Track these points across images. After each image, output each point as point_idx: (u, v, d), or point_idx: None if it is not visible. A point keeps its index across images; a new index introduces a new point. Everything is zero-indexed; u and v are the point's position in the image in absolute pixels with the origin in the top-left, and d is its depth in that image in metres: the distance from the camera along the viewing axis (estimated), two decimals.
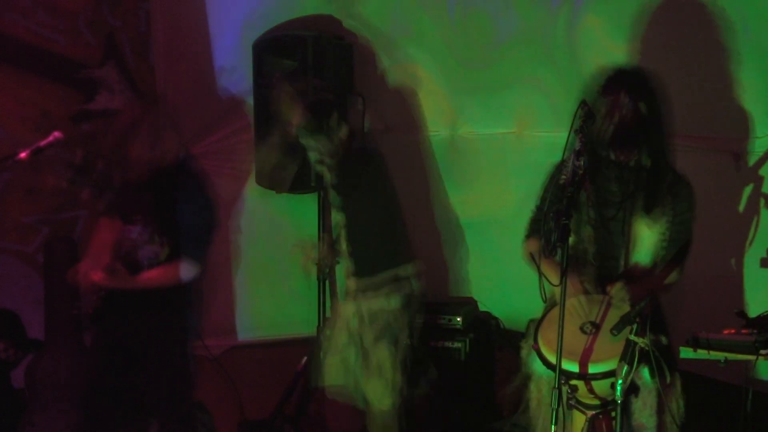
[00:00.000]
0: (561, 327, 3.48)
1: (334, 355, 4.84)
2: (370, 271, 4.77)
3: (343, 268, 4.98)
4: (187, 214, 4.40)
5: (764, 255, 4.51)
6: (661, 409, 3.81)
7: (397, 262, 4.79)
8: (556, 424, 3.48)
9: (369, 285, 4.76)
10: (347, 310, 4.82)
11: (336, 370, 4.83)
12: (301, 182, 5.39)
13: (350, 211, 4.81)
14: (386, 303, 4.73)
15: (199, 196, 4.47)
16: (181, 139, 4.55)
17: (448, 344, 5.34)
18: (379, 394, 4.72)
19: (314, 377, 4.98)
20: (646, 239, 3.94)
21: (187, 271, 4.40)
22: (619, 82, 3.91)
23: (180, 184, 4.43)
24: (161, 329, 4.44)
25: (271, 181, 5.48)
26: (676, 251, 3.87)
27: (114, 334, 4.47)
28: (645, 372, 3.71)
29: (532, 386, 4.03)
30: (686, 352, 3.72)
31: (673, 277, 3.88)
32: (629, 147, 3.91)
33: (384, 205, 4.82)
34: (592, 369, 3.62)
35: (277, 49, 5.47)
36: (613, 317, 3.68)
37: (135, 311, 4.37)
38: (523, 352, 4.05)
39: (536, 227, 4.10)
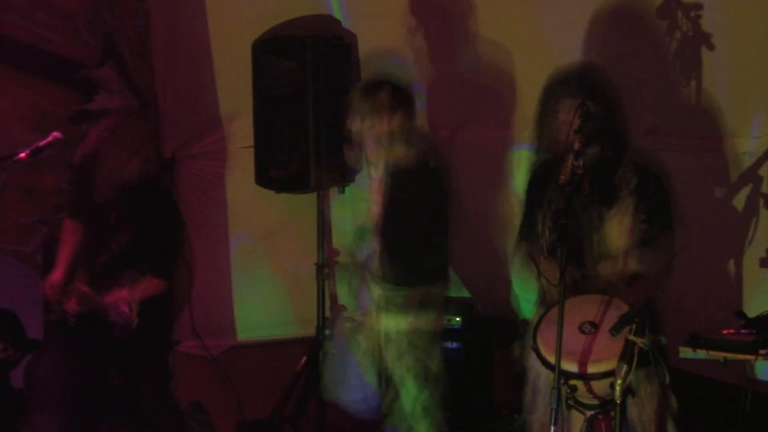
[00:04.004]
0: (560, 327, 3.49)
1: (350, 367, 4.71)
2: (403, 283, 4.44)
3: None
4: (155, 229, 4.45)
5: (763, 255, 4.51)
6: (660, 409, 3.81)
7: (432, 278, 4.48)
8: (555, 423, 3.48)
9: (397, 299, 4.45)
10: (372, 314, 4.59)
11: (354, 385, 4.70)
12: (300, 182, 5.39)
13: (396, 207, 4.41)
14: (416, 324, 4.47)
15: (166, 212, 4.52)
16: (149, 156, 4.58)
17: (447, 344, 5.33)
18: (407, 410, 4.50)
19: (327, 390, 4.84)
20: (616, 233, 3.94)
21: (155, 286, 4.44)
22: (565, 85, 3.95)
23: (148, 200, 4.47)
24: (145, 327, 4.46)
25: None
26: (658, 245, 3.88)
27: (95, 337, 4.50)
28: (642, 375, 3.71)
29: (527, 387, 4.03)
30: (685, 352, 3.73)
31: (660, 267, 3.89)
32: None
33: (436, 212, 4.44)
34: (591, 369, 3.62)
35: (276, 49, 5.47)
36: (611, 317, 3.68)
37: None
38: (515, 353, 4.06)
39: (526, 232, 4.13)
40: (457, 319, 5.36)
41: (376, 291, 4.51)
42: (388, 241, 4.43)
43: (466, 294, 5.76)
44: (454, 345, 5.34)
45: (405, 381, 4.50)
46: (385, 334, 4.52)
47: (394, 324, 4.48)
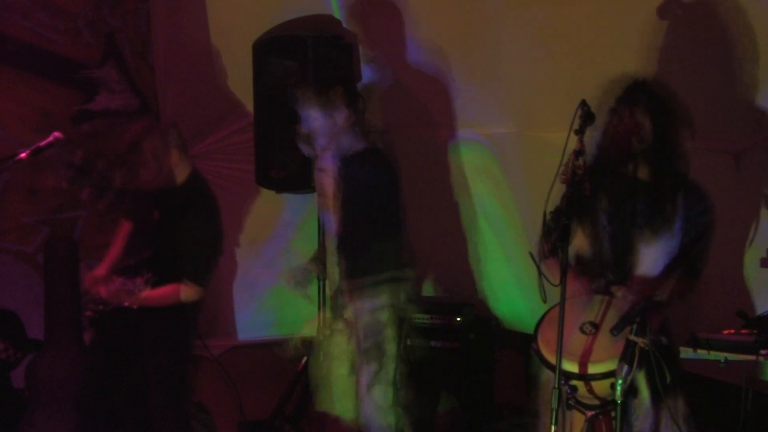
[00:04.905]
0: (561, 327, 3.48)
1: (334, 380, 4.68)
2: (360, 273, 4.55)
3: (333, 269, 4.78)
4: (192, 235, 4.43)
5: (764, 255, 4.51)
6: (659, 410, 3.80)
7: (390, 266, 4.57)
8: (556, 424, 3.48)
9: (357, 287, 4.56)
10: (339, 320, 4.68)
11: (335, 399, 4.68)
12: (301, 182, 5.39)
13: (345, 206, 4.56)
14: (374, 311, 4.53)
15: (206, 219, 4.49)
16: (187, 158, 4.57)
17: (448, 344, 5.34)
18: (377, 409, 4.52)
19: (319, 402, 4.78)
20: (651, 250, 3.94)
21: (188, 293, 4.43)
22: (636, 94, 3.91)
23: (187, 204, 4.46)
24: (161, 331, 4.45)
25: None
26: (678, 258, 3.88)
27: (113, 336, 4.49)
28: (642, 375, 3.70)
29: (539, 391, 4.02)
30: (686, 353, 3.72)
31: (681, 285, 3.88)
32: (630, 157, 3.91)
33: (383, 204, 4.59)
34: (592, 369, 3.62)
35: (277, 49, 5.47)
36: (612, 317, 3.68)
37: (134, 314, 4.38)
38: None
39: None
40: (458, 319, 5.36)
41: (334, 283, 4.65)
42: (342, 235, 4.55)
43: (466, 294, 5.77)
44: (455, 345, 5.35)
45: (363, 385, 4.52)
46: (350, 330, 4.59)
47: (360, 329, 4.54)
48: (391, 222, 4.61)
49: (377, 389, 4.51)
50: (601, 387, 3.63)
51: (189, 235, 4.45)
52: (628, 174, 3.93)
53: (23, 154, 4.17)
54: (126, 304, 4.30)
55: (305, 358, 5.43)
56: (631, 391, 3.69)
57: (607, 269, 3.93)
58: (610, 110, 3.90)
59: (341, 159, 4.58)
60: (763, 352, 3.59)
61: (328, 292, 4.85)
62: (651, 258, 3.91)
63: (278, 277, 5.77)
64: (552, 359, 3.58)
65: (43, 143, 4.24)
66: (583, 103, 3.73)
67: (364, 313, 4.56)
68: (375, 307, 4.54)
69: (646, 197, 3.92)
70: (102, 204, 4.70)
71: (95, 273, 4.55)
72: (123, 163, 4.57)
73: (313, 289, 5.50)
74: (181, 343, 4.56)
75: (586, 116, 3.71)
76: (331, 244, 4.70)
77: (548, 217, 3.63)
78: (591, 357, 3.64)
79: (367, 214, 4.55)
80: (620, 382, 3.47)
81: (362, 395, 4.54)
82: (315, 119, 4.56)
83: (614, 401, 3.50)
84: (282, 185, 5.57)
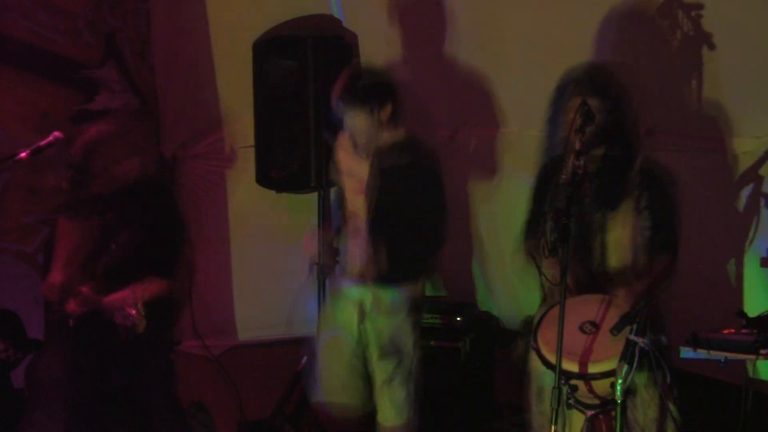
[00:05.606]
0: (561, 327, 3.49)
1: (333, 369, 4.62)
2: (390, 281, 4.44)
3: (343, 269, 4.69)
4: (156, 230, 4.46)
5: (764, 254, 4.51)
6: (660, 410, 3.81)
7: (419, 275, 4.52)
8: (555, 423, 3.49)
9: (384, 296, 4.45)
10: (353, 317, 4.56)
11: (336, 387, 4.61)
12: (301, 182, 5.40)
13: (381, 208, 4.42)
14: (398, 317, 4.46)
15: (167, 212, 4.52)
16: (150, 156, 4.59)
17: (448, 344, 5.34)
18: (391, 412, 4.46)
19: (314, 393, 4.71)
20: (619, 235, 3.95)
21: (158, 287, 4.44)
22: (574, 84, 3.96)
23: (148, 200, 4.48)
24: (157, 331, 4.47)
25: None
26: (663, 257, 3.89)
27: (97, 337, 4.50)
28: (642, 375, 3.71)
29: (532, 385, 4.03)
30: (686, 352, 3.72)
31: (662, 267, 3.91)
32: (591, 145, 3.91)
33: (419, 211, 4.43)
34: (592, 369, 3.62)
35: (277, 50, 5.48)
36: (612, 317, 3.69)
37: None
38: (515, 354, 4.06)
39: (530, 231, 4.12)
40: (458, 319, 5.36)
41: (358, 292, 4.50)
42: (379, 240, 4.42)
43: (466, 294, 5.77)
44: (455, 345, 5.35)
45: (380, 381, 4.48)
46: (370, 335, 4.50)
47: (379, 325, 4.47)
48: (426, 230, 4.49)
49: (395, 385, 4.45)
50: (601, 386, 3.63)
51: (161, 231, 4.48)
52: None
53: (23, 154, 4.17)
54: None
55: (305, 358, 5.44)
56: (630, 390, 3.70)
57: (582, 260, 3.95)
58: (553, 106, 3.94)
59: (380, 172, 4.43)
60: (763, 351, 3.60)
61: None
62: (621, 242, 3.93)
63: (289, 265, 5.77)
64: (552, 358, 3.58)
65: (43, 143, 4.25)
66: (584, 103, 3.74)
67: (386, 315, 4.48)
68: (398, 310, 4.47)
69: (596, 177, 3.93)
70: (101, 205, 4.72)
71: (52, 280, 4.55)
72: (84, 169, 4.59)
73: (316, 286, 5.53)
74: (169, 341, 4.61)
75: (587, 116, 3.72)
76: (343, 241, 4.62)
77: (548, 216, 3.64)
78: (591, 356, 3.65)
79: (405, 221, 4.42)
80: (620, 381, 3.47)
81: (379, 392, 4.48)
82: (360, 120, 4.41)
83: (614, 401, 3.51)
84: (282, 185, 5.57)
